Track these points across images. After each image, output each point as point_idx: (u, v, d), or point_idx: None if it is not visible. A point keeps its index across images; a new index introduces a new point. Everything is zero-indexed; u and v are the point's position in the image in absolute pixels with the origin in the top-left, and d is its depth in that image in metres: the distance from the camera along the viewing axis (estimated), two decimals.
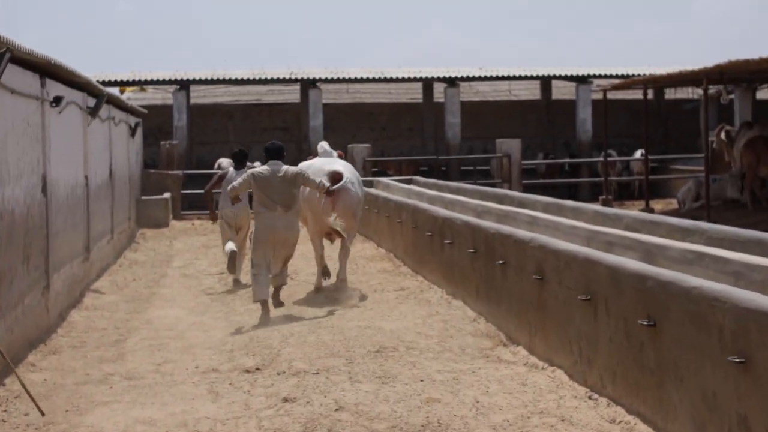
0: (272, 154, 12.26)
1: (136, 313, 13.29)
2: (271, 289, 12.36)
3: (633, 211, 14.39)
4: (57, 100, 12.47)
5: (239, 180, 12.44)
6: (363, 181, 20.02)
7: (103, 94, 15.55)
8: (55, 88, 12.76)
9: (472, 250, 11.15)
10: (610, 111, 35.64)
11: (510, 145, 27.43)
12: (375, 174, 28.14)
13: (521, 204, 15.79)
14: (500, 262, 10.03)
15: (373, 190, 19.47)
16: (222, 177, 15.32)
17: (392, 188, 21.74)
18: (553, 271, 8.57)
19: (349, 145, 27.58)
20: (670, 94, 38.26)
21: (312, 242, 13.96)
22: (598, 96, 34.63)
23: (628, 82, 24.46)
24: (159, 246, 21.41)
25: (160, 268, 18.08)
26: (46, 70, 12.14)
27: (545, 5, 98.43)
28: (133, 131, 22.87)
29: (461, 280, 11.77)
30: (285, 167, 12.17)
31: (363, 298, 12.95)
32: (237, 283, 15.15)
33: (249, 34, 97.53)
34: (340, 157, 14.31)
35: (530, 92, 40.30)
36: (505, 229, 10.19)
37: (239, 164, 15.23)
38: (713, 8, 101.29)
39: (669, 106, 37.60)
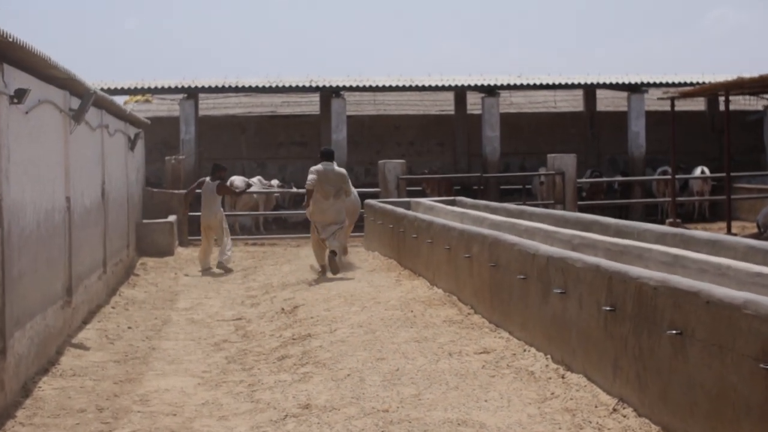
0: (327, 156, 16.19)
1: (129, 382, 9.88)
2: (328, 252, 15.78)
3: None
4: (19, 95, 9.10)
5: (312, 176, 15.76)
6: (398, 201, 19.73)
7: (90, 92, 12.18)
8: (18, 79, 9.38)
9: (608, 308, 7.72)
10: (659, 124, 32.29)
11: (564, 162, 23.99)
12: (410, 194, 24.72)
13: (619, 233, 12.43)
14: (673, 332, 6.60)
15: (420, 215, 16.03)
16: (201, 183, 19.01)
17: (437, 211, 18.33)
18: None
19: (380, 161, 24.16)
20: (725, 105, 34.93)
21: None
22: (649, 107, 31.35)
23: (706, 87, 20.99)
24: (162, 279, 18.01)
25: (163, 310, 14.70)
26: (1, 51, 8.79)
27: (580, 15, 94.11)
28: (132, 143, 19.49)
29: (583, 347, 8.34)
30: (335, 167, 16.10)
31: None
32: (207, 271, 18.61)
33: (263, 44, 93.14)
34: None
35: (569, 104, 36.90)
36: (682, 282, 6.71)
37: (214, 176, 18.85)
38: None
39: (724, 118, 34.07)
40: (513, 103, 36.26)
